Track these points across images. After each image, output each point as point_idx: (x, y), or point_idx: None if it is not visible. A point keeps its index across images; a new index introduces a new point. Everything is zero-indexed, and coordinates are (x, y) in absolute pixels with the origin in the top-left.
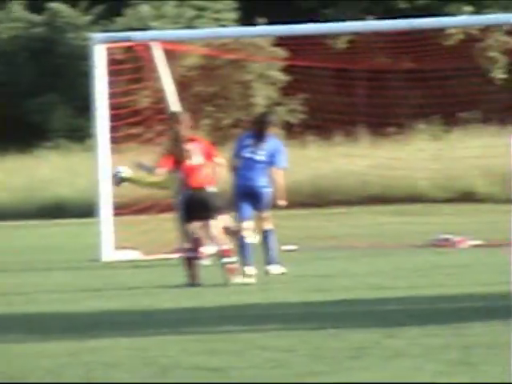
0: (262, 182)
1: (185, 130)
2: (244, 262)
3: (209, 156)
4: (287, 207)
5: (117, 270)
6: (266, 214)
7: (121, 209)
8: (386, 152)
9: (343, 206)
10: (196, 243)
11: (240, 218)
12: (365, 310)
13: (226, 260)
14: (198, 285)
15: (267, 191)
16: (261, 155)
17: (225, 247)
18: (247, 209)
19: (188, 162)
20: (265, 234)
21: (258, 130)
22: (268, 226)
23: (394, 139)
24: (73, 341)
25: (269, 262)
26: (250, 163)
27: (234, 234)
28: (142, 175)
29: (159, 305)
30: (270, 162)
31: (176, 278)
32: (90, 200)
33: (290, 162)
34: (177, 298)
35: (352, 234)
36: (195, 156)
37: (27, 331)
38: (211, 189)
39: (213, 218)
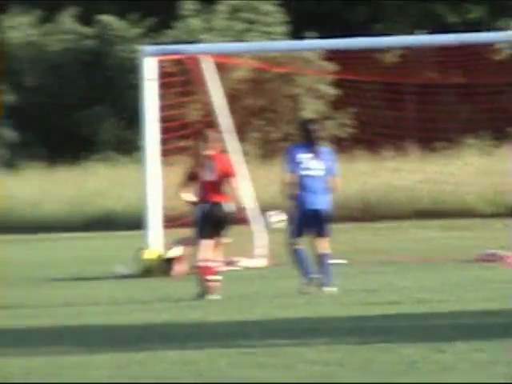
0: (325, 203)
1: (208, 148)
2: (306, 272)
3: (226, 173)
4: (336, 221)
5: (165, 283)
6: (327, 238)
7: (169, 222)
8: (435, 167)
9: (392, 221)
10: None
11: (294, 236)
12: (413, 324)
13: (211, 277)
14: (202, 297)
15: (329, 214)
16: (318, 170)
17: (214, 264)
18: (305, 232)
19: (203, 178)
20: (323, 258)
21: (307, 140)
22: (327, 250)
23: (444, 154)
24: (121, 353)
25: (324, 284)
26: (310, 182)
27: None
28: None
29: (207, 318)
30: (328, 173)
31: (224, 291)
32: (138, 212)
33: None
34: (225, 311)
35: (400, 248)
36: (210, 172)
37: (75, 343)
38: (227, 205)
39: (221, 235)
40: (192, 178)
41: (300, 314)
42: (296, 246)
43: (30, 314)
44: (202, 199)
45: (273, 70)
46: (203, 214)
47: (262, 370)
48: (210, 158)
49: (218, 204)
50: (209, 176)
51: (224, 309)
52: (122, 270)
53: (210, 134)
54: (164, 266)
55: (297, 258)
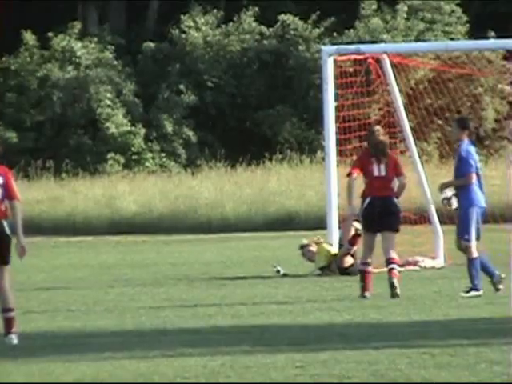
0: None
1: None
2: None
3: (395, 171)
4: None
5: (346, 283)
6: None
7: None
8: None
9: None
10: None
11: (470, 238)
12: None
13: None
14: (365, 297)
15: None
16: (479, 166)
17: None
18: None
19: (374, 173)
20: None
21: (472, 137)
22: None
23: None
24: (301, 353)
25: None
26: (480, 181)
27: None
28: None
29: (387, 318)
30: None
31: (405, 291)
32: (319, 212)
33: None
34: (405, 312)
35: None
36: (381, 168)
37: (256, 343)
38: (392, 200)
39: (392, 230)
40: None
41: (480, 314)
42: (474, 252)
43: (211, 313)
44: (369, 193)
45: (453, 70)
46: (367, 209)
47: (442, 370)
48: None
49: (382, 198)
50: (378, 171)
51: (404, 309)
52: (279, 269)
53: (378, 129)
54: (336, 265)
55: (476, 266)
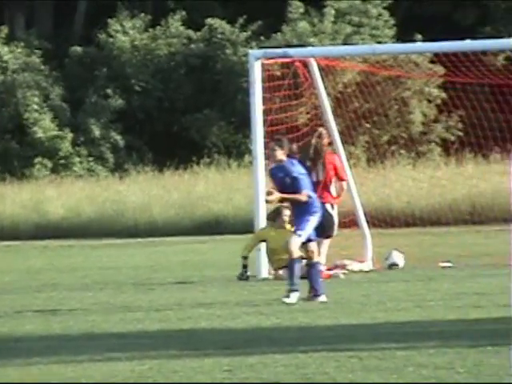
0: None
1: (323, 145)
2: None
3: (334, 175)
4: (444, 224)
5: (275, 287)
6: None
7: None
8: None
9: (500, 224)
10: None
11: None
12: None
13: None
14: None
15: None
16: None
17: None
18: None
19: (314, 178)
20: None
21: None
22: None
23: None
24: (229, 357)
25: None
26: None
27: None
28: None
29: (316, 321)
30: None
31: (333, 294)
32: (247, 216)
33: (446, 180)
34: (334, 315)
35: (509, 251)
36: (320, 172)
37: (183, 347)
38: (328, 207)
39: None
40: None
41: (409, 317)
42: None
43: (139, 318)
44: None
45: (381, 73)
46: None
47: (370, 373)
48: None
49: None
50: (317, 176)
51: (332, 312)
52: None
53: (324, 131)
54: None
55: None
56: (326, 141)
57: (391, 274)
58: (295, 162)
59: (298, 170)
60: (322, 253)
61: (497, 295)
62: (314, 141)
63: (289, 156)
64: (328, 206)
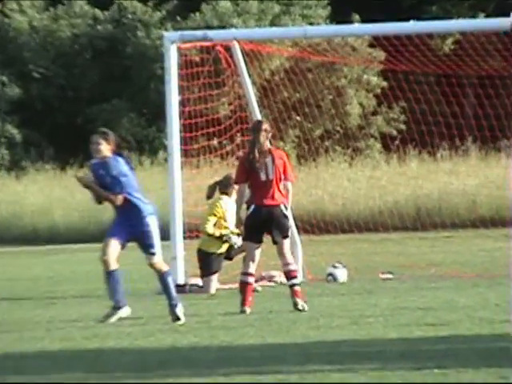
0: None
1: (264, 140)
2: None
3: (283, 174)
4: (385, 230)
5: (192, 300)
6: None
7: (194, 231)
8: (497, 169)
9: (448, 230)
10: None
11: None
12: (472, 347)
13: (293, 282)
14: (244, 312)
15: None
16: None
17: (292, 268)
18: None
19: (260, 177)
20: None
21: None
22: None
23: (507, 154)
24: (140, 380)
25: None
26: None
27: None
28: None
29: (239, 340)
30: None
31: (260, 309)
32: (161, 221)
33: (387, 180)
34: (260, 333)
35: (458, 261)
36: (269, 171)
37: (89, 369)
38: (283, 208)
39: (282, 238)
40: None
41: (345, 335)
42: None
43: (38, 336)
44: (255, 201)
45: (313, 59)
46: (253, 218)
47: None
48: (269, 153)
49: (271, 207)
50: (266, 175)
51: (258, 330)
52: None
53: (262, 123)
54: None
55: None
56: (270, 135)
57: (323, 287)
58: (120, 159)
59: (120, 169)
60: (286, 252)
61: (443, 311)
62: (261, 138)
63: (115, 152)
64: (282, 207)
